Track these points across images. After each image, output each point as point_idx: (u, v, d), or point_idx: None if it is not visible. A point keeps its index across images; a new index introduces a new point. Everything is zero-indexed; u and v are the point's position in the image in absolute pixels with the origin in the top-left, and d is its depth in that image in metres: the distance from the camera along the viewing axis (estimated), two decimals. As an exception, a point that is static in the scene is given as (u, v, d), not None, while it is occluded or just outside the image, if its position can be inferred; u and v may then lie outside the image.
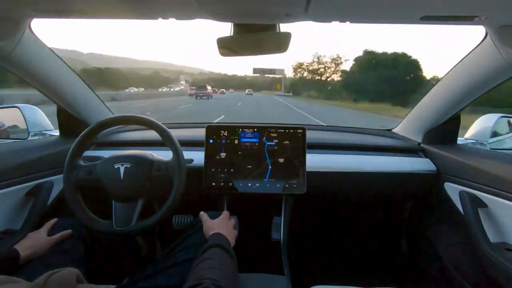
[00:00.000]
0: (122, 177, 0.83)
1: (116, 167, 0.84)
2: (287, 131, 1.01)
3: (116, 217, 0.83)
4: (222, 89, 57.40)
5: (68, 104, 1.09)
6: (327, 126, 1.54)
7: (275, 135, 1.01)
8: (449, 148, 1.09)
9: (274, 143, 1.01)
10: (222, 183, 1.01)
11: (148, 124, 0.89)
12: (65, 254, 0.75)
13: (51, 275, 0.42)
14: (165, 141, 0.88)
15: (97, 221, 0.83)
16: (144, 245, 1.19)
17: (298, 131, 1.01)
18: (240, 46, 0.81)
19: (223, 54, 0.82)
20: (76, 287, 0.43)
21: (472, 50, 0.87)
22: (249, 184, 1.00)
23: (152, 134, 0.93)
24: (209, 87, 29.85)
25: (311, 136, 1.09)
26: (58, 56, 0.96)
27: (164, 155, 0.92)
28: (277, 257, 0.94)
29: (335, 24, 0.67)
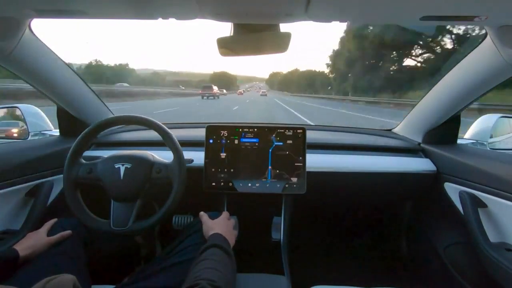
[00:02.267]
0: (122, 177, 0.83)
1: (116, 166, 0.84)
2: (287, 131, 1.01)
3: (114, 217, 0.83)
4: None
5: (68, 104, 1.09)
6: (327, 126, 1.53)
7: (275, 135, 1.01)
8: (449, 148, 1.09)
9: (274, 143, 1.01)
10: (222, 183, 1.01)
11: (148, 124, 0.89)
12: (65, 254, 0.75)
13: (48, 281, 0.42)
14: (166, 142, 0.88)
15: (95, 220, 0.83)
16: (144, 245, 1.19)
17: (298, 131, 1.01)
18: (240, 46, 0.81)
19: (223, 54, 0.82)
20: None
21: (472, 50, 0.87)
22: (249, 184, 1.00)
23: (152, 134, 0.93)
24: (215, 87, 28.03)
25: (311, 136, 1.09)
26: (58, 56, 0.96)
27: (164, 155, 0.92)
28: (277, 257, 0.94)
29: (335, 24, 0.67)
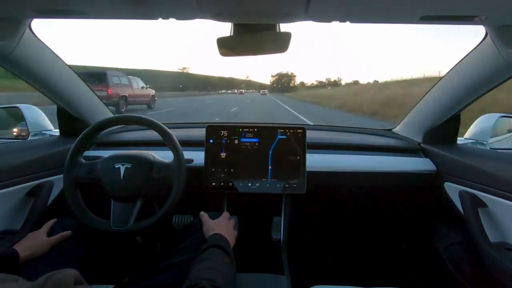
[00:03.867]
0: (122, 177, 0.83)
1: (116, 166, 0.84)
2: (287, 131, 1.01)
3: (114, 217, 0.83)
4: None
5: (68, 104, 1.09)
6: (327, 126, 1.54)
7: (275, 135, 1.01)
8: (449, 148, 1.09)
9: (274, 143, 1.01)
10: (222, 183, 1.01)
11: (148, 124, 0.89)
12: (65, 254, 0.75)
13: (49, 277, 0.42)
14: (166, 142, 0.88)
15: (95, 220, 0.83)
16: (144, 245, 1.19)
17: (298, 131, 1.01)
18: (240, 46, 0.81)
19: (223, 54, 0.82)
20: None
21: (472, 50, 0.87)
22: (249, 184, 1.00)
23: (152, 134, 0.93)
24: (137, 84, 11.63)
25: (311, 136, 1.09)
26: (58, 56, 0.96)
27: (164, 155, 0.92)
28: (277, 257, 0.94)
29: (335, 24, 0.67)
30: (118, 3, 0.61)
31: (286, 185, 1.00)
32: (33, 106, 1.35)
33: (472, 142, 1.24)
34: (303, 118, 10.83)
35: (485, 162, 0.91)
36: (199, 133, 1.08)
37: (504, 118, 1.30)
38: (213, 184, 1.01)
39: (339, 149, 1.17)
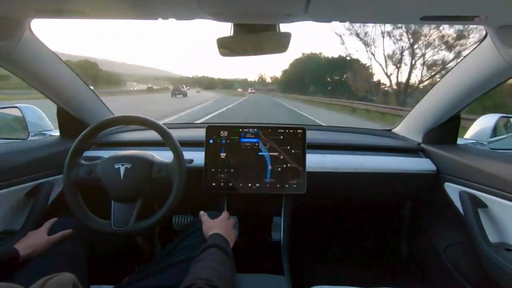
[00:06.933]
0: (122, 177, 0.83)
1: (116, 167, 0.84)
2: (287, 131, 1.01)
3: (115, 217, 0.83)
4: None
5: (68, 104, 1.09)
6: (327, 126, 1.54)
7: (275, 135, 1.01)
8: (449, 148, 1.09)
9: (274, 143, 1.01)
10: (222, 183, 1.01)
11: (149, 125, 0.89)
12: (65, 253, 0.75)
13: (48, 280, 0.42)
14: (166, 142, 0.87)
15: (95, 221, 0.83)
16: (144, 245, 1.19)
17: (298, 131, 1.01)
18: (240, 46, 0.81)
19: (223, 54, 0.82)
20: None
21: (472, 50, 0.87)
22: (249, 184, 1.00)
23: (152, 134, 0.93)
24: None
25: (311, 136, 1.09)
26: (58, 56, 0.96)
27: (164, 155, 0.92)
28: (277, 257, 0.94)
29: (335, 24, 0.67)
30: (118, 3, 0.61)
31: (286, 186, 0.99)
32: (33, 106, 1.34)
33: (472, 142, 1.24)
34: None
35: (485, 162, 0.92)
36: (199, 133, 1.08)
37: (504, 118, 1.30)
38: (213, 184, 1.01)
39: (339, 149, 1.17)
